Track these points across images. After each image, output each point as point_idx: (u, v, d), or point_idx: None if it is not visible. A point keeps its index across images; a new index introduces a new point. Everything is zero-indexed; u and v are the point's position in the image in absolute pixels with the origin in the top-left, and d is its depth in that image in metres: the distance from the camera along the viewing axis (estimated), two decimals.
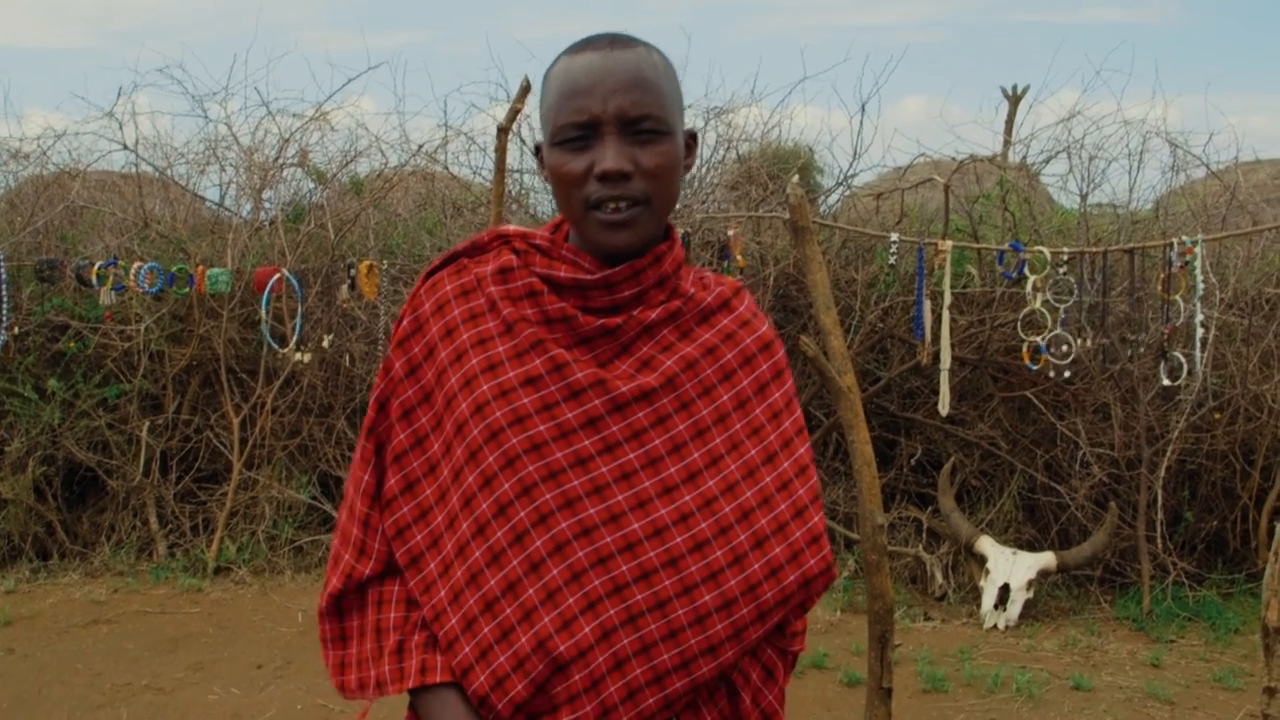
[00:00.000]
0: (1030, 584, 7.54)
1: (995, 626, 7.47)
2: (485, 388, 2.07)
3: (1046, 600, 7.86)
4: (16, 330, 8.64)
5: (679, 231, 2.21)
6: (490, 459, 2.04)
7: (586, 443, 2.04)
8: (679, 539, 2.03)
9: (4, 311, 8.39)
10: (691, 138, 2.22)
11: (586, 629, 1.99)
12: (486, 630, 2.01)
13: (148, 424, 8.96)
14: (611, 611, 2.00)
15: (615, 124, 2.02)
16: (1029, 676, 6.65)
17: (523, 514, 2.02)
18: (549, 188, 2.20)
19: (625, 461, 2.05)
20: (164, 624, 7.50)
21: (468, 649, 2.02)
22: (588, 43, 2.10)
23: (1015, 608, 7.49)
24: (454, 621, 2.04)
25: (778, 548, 2.11)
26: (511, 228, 2.24)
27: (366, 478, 2.17)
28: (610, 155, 2.01)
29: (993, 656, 7.05)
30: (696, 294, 2.20)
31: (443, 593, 2.06)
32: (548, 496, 2.02)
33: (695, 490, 2.06)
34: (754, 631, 2.08)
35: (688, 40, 19.48)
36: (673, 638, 2.01)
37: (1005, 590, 7.53)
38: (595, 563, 2.00)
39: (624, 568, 2.00)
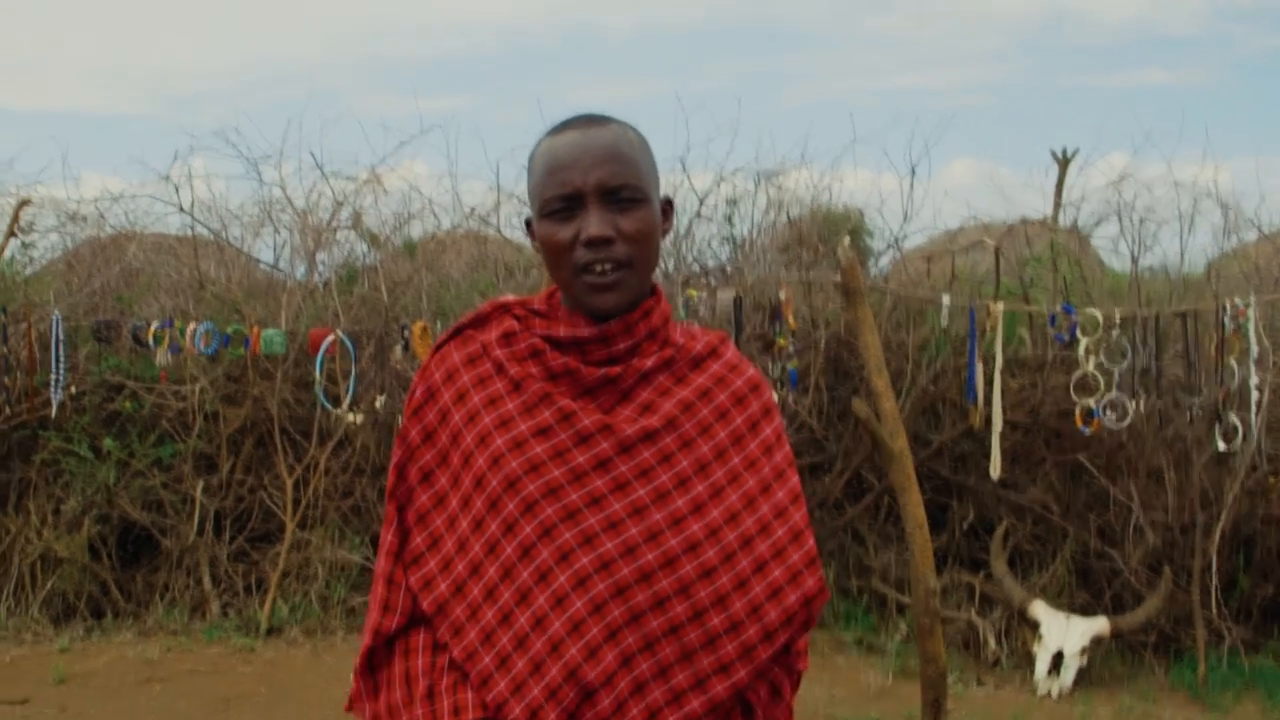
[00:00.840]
0: (1084, 650, 7.48)
1: (1049, 693, 7.40)
2: (500, 441, 2.21)
3: (1100, 666, 7.78)
4: (73, 390, 8.73)
5: (663, 288, 2.32)
6: (510, 506, 2.17)
7: (599, 483, 2.17)
8: (688, 567, 2.16)
9: (61, 371, 8.48)
10: (667, 204, 2.37)
11: (609, 656, 2.12)
12: (520, 665, 2.12)
13: (202, 484, 9.01)
14: (630, 639, 2.13)
15: (597, 194, 2.18)
16: None
17: (545, 553, 2.15)
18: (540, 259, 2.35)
19: (636, 498, 2.18)
20: (217, 684, 7.53)
21: (502, 684, 2.12)
22: (567, 124, 2.27)
23: (1069, 674, 7.43)
24: (488, 660, 2.15)
25: (777, 570, 2.25)
26: (510, 297, 2.40)
27: (389, 538, 2.29)
28: (594, 222, 2.17)
29: None
30: (686, 344, 2.35)
31: (473, 634, 2.17)
32: (567, 535, 2.15)
33: (701, 521, 2.19)
34: (763, 651, 2.21)
35: (738, 105, 19.51)
36: (687, 660, 2.16)
37: (1059, 656, 7.47)
38: (614, 594, 2.13)
39: (640, 596, 2.14)
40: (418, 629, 2.25)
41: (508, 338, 2.30)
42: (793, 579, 2.27)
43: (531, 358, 2.26)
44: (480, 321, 2.38)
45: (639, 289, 2.25)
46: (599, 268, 2.18)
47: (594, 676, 2.11)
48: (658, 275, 9.35)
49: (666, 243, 9.80)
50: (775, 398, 2.52)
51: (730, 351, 2.42)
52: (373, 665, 2.28)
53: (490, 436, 2.22)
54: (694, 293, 8.13)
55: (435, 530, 2.25)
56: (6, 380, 8.62)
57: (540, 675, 2.11)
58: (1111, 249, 10.23)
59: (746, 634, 2.20)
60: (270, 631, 8.49)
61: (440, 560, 2.23)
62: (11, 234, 8.57)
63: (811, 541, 2.35)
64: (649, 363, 2.27)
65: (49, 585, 8.72)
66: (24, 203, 8.61)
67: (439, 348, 2.38)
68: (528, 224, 2.36)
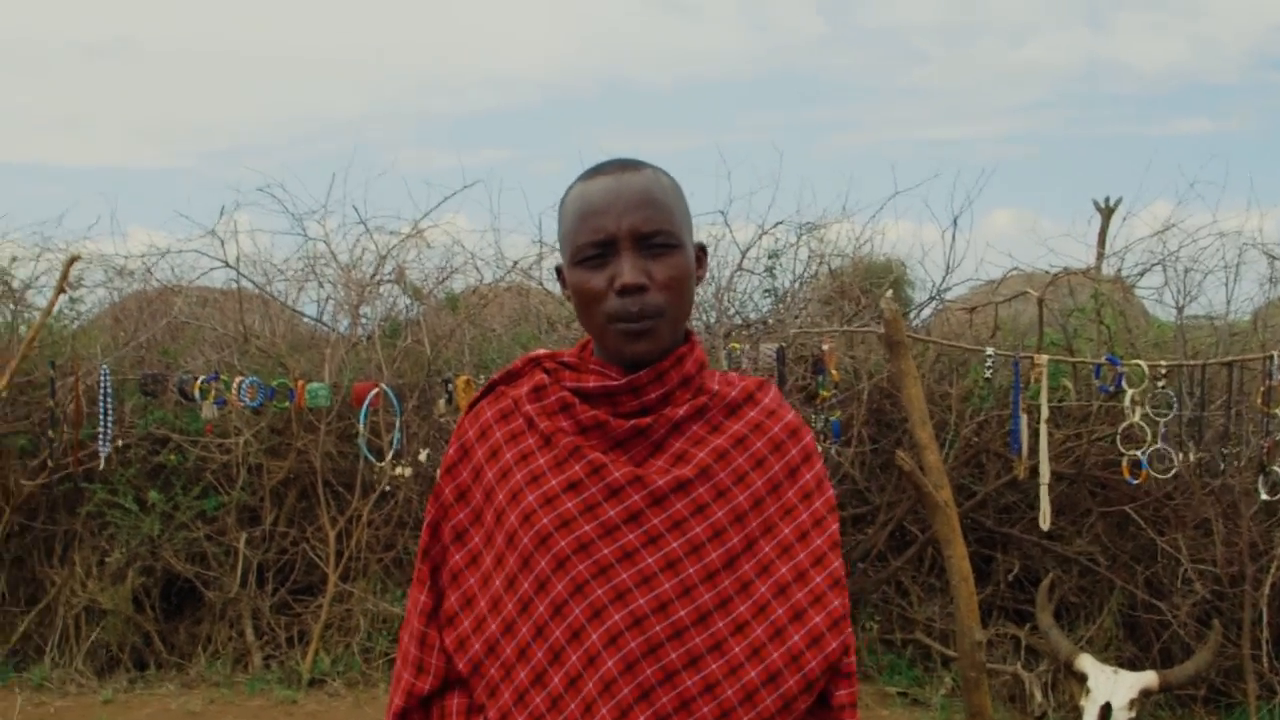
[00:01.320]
0: (1133, 703, 7.38)
1: None
2: (531, 498, 2.19)
3: None
4: (119, 442, 8.79)
5: (699, 336, 2.30)
6: (542, 563, 2.15)
7: (631, 536, 2.15)
8: (720, 624, 2.13)
9: (108, 424, 8.54)
10: (701, 250, 2.35)
11: (642, 718, 2.08)
12: None
13: (245, 536, 9.05)
14: (665, 699, 2.09)
15: (630, 240, 2.17)
16: None
17: (578, 611, 2.12)
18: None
19: (669, 551, 2.14)
20: None
21: None
22: (599, 169, 2.26)
23: None
24: None
25: (817, 617, 2.21)
26: (542, 351, 2.40)
27: (423, 598, 2.28)
28: (627, 269, 2.15)
29: None
30: (721, 390, 2.32)
31: (507, 694, 2.15)
32: (599, 592, 2.12)
33: (734, 574, 2.17)
34: (802, 702, 2.17)
35: (779, 157, 19.56)
36: (725, 717, 2.10)
37: (1107, 709, 7.38)
38: (646, 652, 2.10)
39: (673, 655, 2.10)
40: (452, 692, 2.26)
41: (537, 392, 2.29)
42: (834, 625, 2.23)
43: (561, 411, 2.25)
44: (513, 377, 2.38)
45: (672, 337, 2.23)
46: (631, 316, 2.16)
47: None
48: (700, 327, 9.39)
49: (708, 294, 9.87)
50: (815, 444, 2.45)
51: (769, 397, 2.38)
52: None
53: (522, 493, 2.20)
54: (736, 345, 8.13)
55: (468, 590, 2.24)
56: (53, 433, 8.69)
57: None
58: (1156, 299, 10.17)
59: (785, 685, 2.16)
60: (312, 683, 8.50)
61: (474, 619, 2.22)
62: (61, 289, 8.63)
63: (843, 600, 2.29)
64: (681, 411, 2.24)
65: (93, 637, 8.77)
66: (73, 259, 8.68)
67: (473, 405, 2.38)
68: (558, 271, 2.35)
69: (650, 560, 2.14)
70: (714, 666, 2.11)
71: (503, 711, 2.15)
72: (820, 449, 7.99)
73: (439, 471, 2.36)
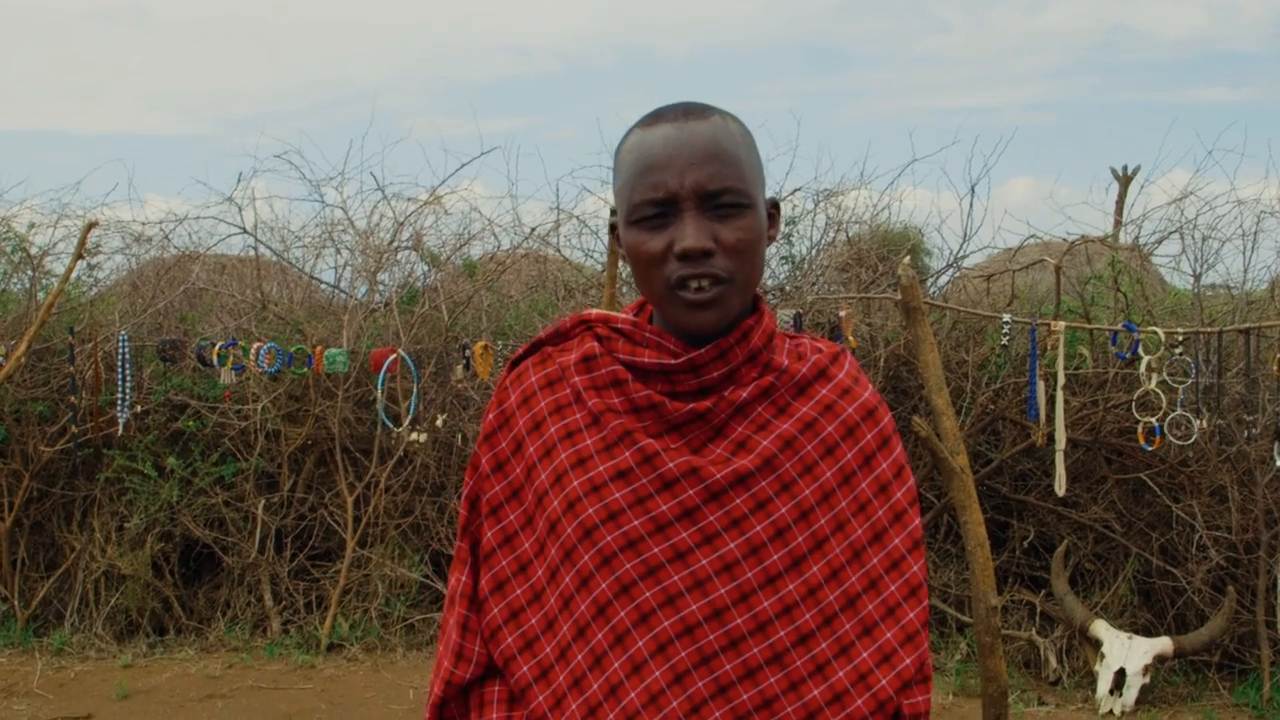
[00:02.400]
0: (1147, 669, 7.42)
1: (1111, 712, 7.35)
2: (576, 484, 2.00)
3: (1163, 686, 7.72)
4: (138, 409, 8.83)
5: (769, 306, 2.11)
6: (586, 558, 1.97)
7: (684, 535, 1.96)
8: (782, 633, 1.96)
9: (127, 390, 8.58)
10: (774, 207, 2.12)
11: None
12: None
13: (263, 502, 9.09)
14: (718, 714, 1.93)
15: (694, 199, 1.94)
16: None
17: (623, 614, 1.95)
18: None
19: (726, 552, 1.96)
20: (277, 700, 7.58)
21: None
22: (660, 114, 2.01)
23: (1131, 693, 7.37)
24: None
25: (890, 632, 2.03)
26: (595, 312, 2.15)
27: (465, 579, 2.12)
28: (690, 233, 1.93)
29: None
30: (791, 366, 2.09)
31: (542, 698, 2.00)
32: (647, 594, 1.95)
33: (799, 578, 1.98)
34: None
35: (797, 124, 19.50)
36: None
37: (1121, 675, 7.41)
38: (698, 663, 1.93)
39: (728, 666, 1.93)
40: (494, 680, 2.09)
41: (588, 362, 2.08)
42: (908, 640, 2.05)
43: (612, 386, 2.04)
44: (560, 338, 2.17)
45: (739, 307, 2.01)
46: (695, 284, 1.94)
47: None
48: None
49: None
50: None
51: (843, 371, 2.14)
52: (443, 717, 2.13)
53: (566, 476, 2.01)
54: None
55: (500, 573, 2.07)
56: (73, 399, 8.72)
57: None
58: (1173, 267, 10.15)
59: (852, 706, 1.97)
60: (331, 648, 8.54)
61: (506, 609, 2.06)
62: (79, 256, 8.66)
63: (926, 602, 2.10)
64: (744, 394, 2.02)
65: (113, 602, 8.82)
66: (91, 225, 8.70)
67: (515, 364, 2.18)
68: (612, 228, 2.12)
69: (705, 561, 1.95)
70: (773, 680, 1.94)
71: (536, 716, 2.00)
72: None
73: (477, 439, 2.17)
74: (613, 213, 2.12)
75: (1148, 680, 7.44)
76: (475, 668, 2.07)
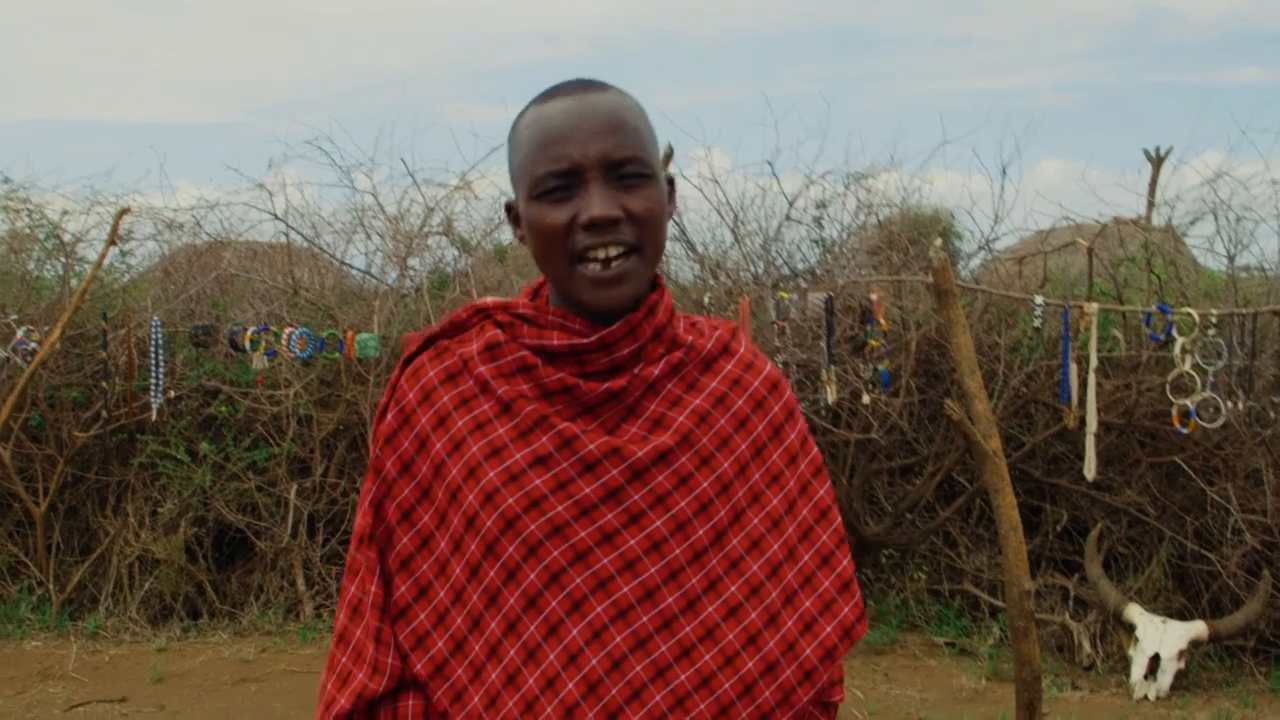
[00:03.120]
0: (1181, 653, 7.39)
1: (1145, 697, 7.32)
2: (492, 474, 1.93)
3: (1198, 671, 7.69)
4: (171, 394, 8.86)
5: (664, 279, 2.05)
6: (510, 549, 1.91)
7: (610, 516, 1.91)
8: (711, 608, 1.93)
9: (160, 376, 8.61)
10: (671, 183, 2.07)
11: None
12: None
13: (295, 487, 9.11)
14: (658, 697, 1.88)
15: (599, 169, 1.89)
16: None
17: (554, 603, 1.90)
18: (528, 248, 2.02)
19: (653, 530, 1.92)
20: (311, 683, 7.60)
21: None
22: (556, 89, 1.98)
23: (1166, 678, 7.34)
24: None
25: (807, 601, 2.01)
26: (490, 300, 2.09)
27: (373, 589, 1.99)
28: (596, 202, 1.88)
29: None
30: (696, 341, 2.07)
31: (476, 699, 1.92)
32: (578, 581, 1.90)
33: (721, 552, 1.95)
34: (803, 693, 1.98)
35: (827, 107, 19.48)
36: (724, 714, 1.91)
37: (1155, 660, 7.38)
38: (634, 646, 1.89)
39: (663, 648, 1.90)
40: (406, 694, 1.99)
41: (491, 350, 2.01)
42: (826, 607, 2.02)
43: (521, 373, 1.98)
44: (457, 329, 2.09)
45: (646, 280, 1.97)
46: (602, 254, 1.90)
47: None
48: (748, 278, 9.36)
49: (755, 245, 9.84)
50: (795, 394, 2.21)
51: (744, 346, 2.13)
52: None
53: (481, 468, 1.94)
54: (785, 294, 8.12)
55: (422, 577, 1.98)
56: (106, 385, 8.77)
57: None
58: (1207, 248, 10.11)
59: (783, 675, 1.95)
60: None
61: (433, 613, 1.97)
62: (111, 242, 8.70)
63: (845, 561, 2.08)
64: (656, 370, 1.99)
65: (146, 586, 8.87)
66: (123, 211, 8.74)
67: (409, 361, 2.09)
68: (508, 209, 2.08)
69: (633, 541, 1.91)
70: (708, 657, 1.90)
71: (471, 717, 1.92)
72: (868, 399, 8.02)
73: (373, 443, 2.06)
74: (509, 208, 2.09)
75: (1182, 665, 7.41)
76: (389, 681, 1.97)
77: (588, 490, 1.91)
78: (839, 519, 2.11)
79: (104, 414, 8.85)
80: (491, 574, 1.92)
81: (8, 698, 7.35)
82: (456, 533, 1.95)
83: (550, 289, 2.04)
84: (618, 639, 1.88)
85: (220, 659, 8.09)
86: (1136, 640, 7.49)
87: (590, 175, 1.90)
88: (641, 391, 1.98)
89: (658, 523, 1.92)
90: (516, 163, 1.99)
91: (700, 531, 1.93)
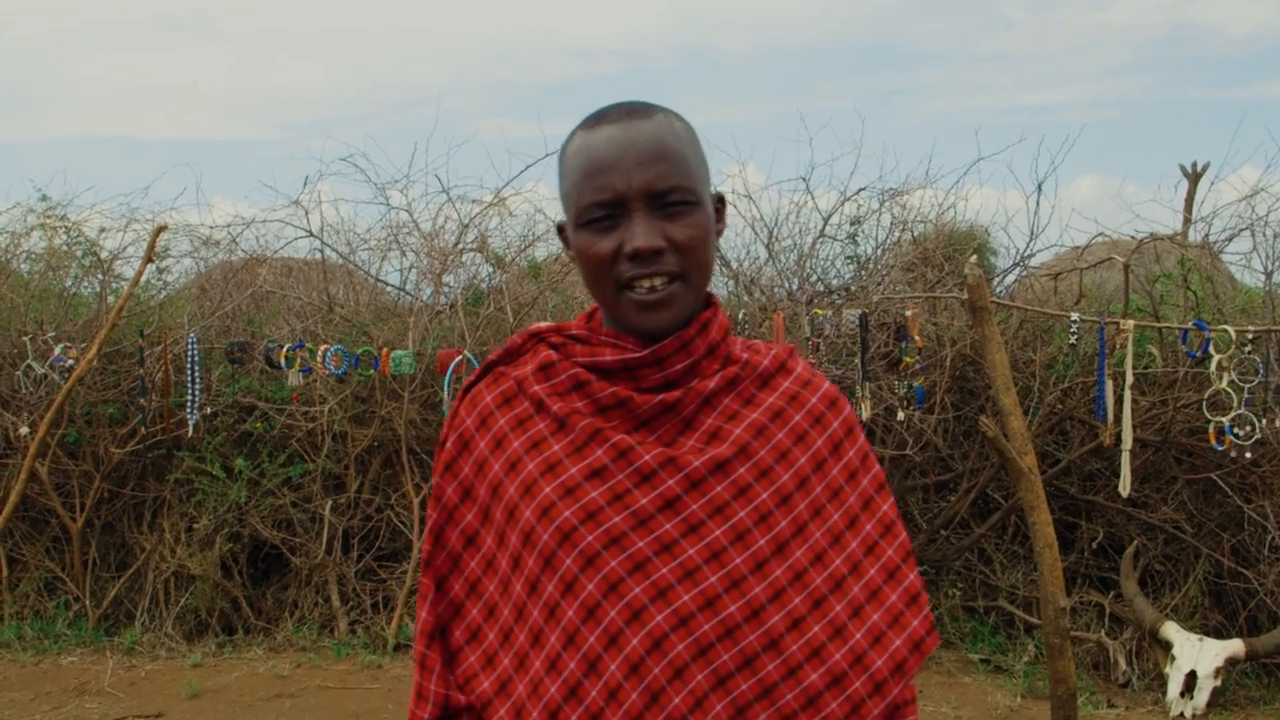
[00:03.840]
0: (1218, 671, 7.34)
1: (1182, 715, 7.27)
2: (549, 489, 1.94)
3: (1235, 689, 7.64)
4: (207, 410, 8.91)
5: (717, 300, 2.06)
6: (568, 561, 1.91)
7: (668, 526, 1.91)
8: (776, 618, 1.91)
9: (196, 392, 8.66)
10: (720, 201, 2.10)
11: None
12: None
13: (330, 503, 9.14)
14: (719, 707, 1.86)
15: (642, 199, 1.92)
16: None
17: (613, 613, 1.88)
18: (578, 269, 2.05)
19: (713, 540, 1.91)
20: (345, 700, 7.62)
21: None
22: (603, 115, 2.00)
23: (1203, 696, 7.29)
24: None
25: (875, 615, 2.00)
26: (544, 325, 2.12)
27: (424, 616, 2.04)
28: (640, 233, 1.91)
29: None
30: (751, 359, 2.09)
31: (536, 714, 1.90)
32: (636, 590, 1.89)
33: (785, 563, 1.94)
34: (873, 705, 1.95)
35: (861, 123, 19.44)
36: None
37: (1192, 678, 7.34)
38: (696, 655, 1.87)
39: (725, 656, 1.87)
40: None
41: (545, 369, 2.03)
42: (894, 621, 2.01)
43: (575, 390, 2.00)
44: (512, 355, 2.12)
45: (693, 304, 1.99)
46: (647, 283, 1.93)
47: None
48: (782, 294, 9.36)
49: (790, 261, 9.84)
50: (856, 412, 2.19)
51: (801, 365, 2.15)
52: None
53: (537, 484, 1.95)
54: (819, 311, 8.12)
55: (490, 598, 2.01)
56: (143, 401, 8.82)
57: None
58: (1244, 264, 10.06)
59: (851, 687, 1.93)
60: (398, 648, 8.58)
61: (500, 632, 1.99)
62: (148, 259, 8.76)
63: (912, 575, 2.08)
64: (711, 384, 2.00)
65: (182, 602, 8.91)
66: (160, 229, 8.80)
67: (468, 390, 2.12)
68: (560, 230, 2.10)
69: (692, 551, 1.90)
70: (771, 667, 1.88)
71: None
72: (903, 415, 8.00)
73: (435, 470, 2.09)
74: (561, 229, 2.11)
75: (1219, 683, 7.37)
76: (434, 709, 2.01)
77: (644, 500, 1.92)
78: (904, 534, 2.11)
79: (140, 430, 8.89)
80: (550, 588, 1.92)
81: (45, 713, 7.39)
82: (515, 550, 1.96)
83: (602, 312, 2.07)
84: (679, 647, 1.86)
85: (255, 675, 8.11)
86: (1173, 658, 7.44)
87: (634, 205, 1.92)
88: (697, 405, 2.00)
89: (717, 532, 1.92)
90: (564, 189, 2.02)
91: (761, 541, 1.93)
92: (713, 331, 2.02)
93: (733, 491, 1.94)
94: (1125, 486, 7.45)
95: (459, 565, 2.04)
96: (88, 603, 9.03)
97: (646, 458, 1.93)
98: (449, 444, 2.07)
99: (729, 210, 2.16)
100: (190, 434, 8.75)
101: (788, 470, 2.00)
